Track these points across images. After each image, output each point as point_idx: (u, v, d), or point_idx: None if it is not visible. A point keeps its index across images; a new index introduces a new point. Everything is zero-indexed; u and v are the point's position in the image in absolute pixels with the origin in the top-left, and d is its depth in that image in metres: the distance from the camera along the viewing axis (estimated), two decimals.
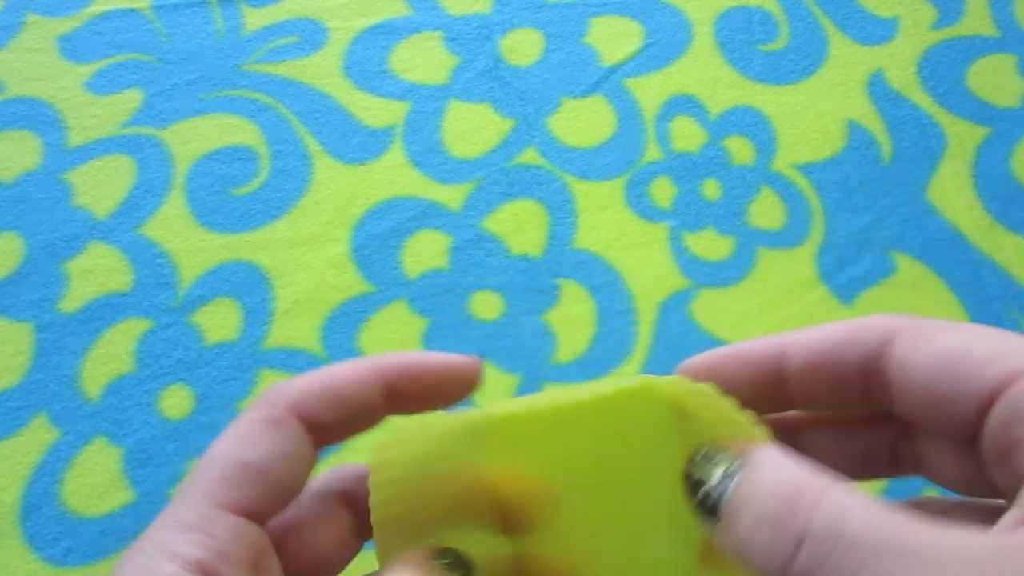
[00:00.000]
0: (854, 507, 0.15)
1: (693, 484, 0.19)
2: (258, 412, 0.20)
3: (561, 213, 0.47)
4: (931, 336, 0.19)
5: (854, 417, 0.22)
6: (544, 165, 0.48)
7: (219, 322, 0.44)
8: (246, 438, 0.20)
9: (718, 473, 0.18)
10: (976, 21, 0.53)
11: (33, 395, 0.42)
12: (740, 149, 0.49)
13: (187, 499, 0.19)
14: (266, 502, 0.20)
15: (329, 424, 0.21)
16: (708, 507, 0.18)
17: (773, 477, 0.17)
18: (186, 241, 0.46)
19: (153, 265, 0.45)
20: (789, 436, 0.22)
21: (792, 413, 0.22)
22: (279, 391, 0.21)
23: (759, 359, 0.21)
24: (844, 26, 0.53)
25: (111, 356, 0.43)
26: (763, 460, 0.17)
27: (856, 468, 0.22)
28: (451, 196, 0.47)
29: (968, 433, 0.18)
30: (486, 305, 0.45)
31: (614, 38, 0.52)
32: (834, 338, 0.20)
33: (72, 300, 0.45)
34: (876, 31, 0.53)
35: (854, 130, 0.50)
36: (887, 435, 0.21)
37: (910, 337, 0.19)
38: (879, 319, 0.20)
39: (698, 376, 0.21)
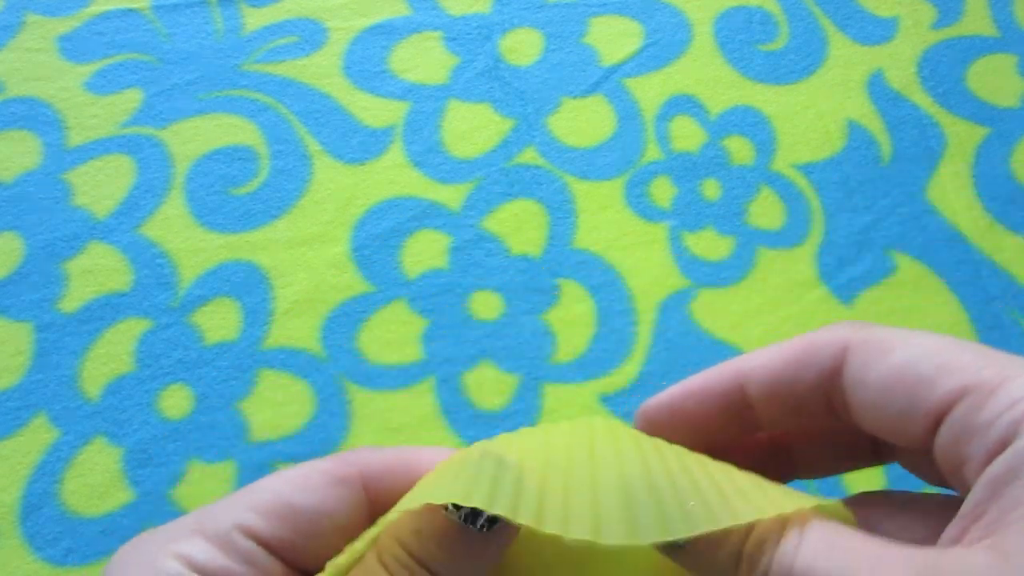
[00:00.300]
0: (799, 552, 0.16)
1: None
2: (327, 463, 0.20)
3: (561, 213, 0.47)
4: (881, 353, 0.19)
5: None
6: (544, 165, 0.48)
7: (219, 322, 0.44)
8: (302, 481, 0.19)
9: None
10: (976, 21, 0.53)
11: (33, 395, 0.42)
12: (740, 149, 0.49)
13: (213, 513, 0.19)
14: (295, 549, 0.19)
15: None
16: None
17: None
18: (186, 241, 0.46)
19: (153, 265, 0.45)
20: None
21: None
22: (360, 453, 0.20)
23: (717, 393, 0.21)
24: (844, 26, 0.53)
25: (111, 356, 0.43)
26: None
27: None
28: (451, 196, 0.47)
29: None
30: (486, 305, 0.45)
31: (614, 38, 0.52)
32: (789, 359, 0.20)
33: (72, 300, 0.45)
34: (876, 31, 0.53)
35: (854, 130, 0.50)
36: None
37: (861, 354, 0.19)
38: (831, 333, 0.20)
39: (660, 419, 0.21)
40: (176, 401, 0.42)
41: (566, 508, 0.17)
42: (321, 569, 0.18)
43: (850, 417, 0.19)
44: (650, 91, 0.51)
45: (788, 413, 0.20)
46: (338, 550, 0.19)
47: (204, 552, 0.18)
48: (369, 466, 0.20)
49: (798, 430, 0.22)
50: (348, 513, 0.19)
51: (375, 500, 0.20)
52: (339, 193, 0.48)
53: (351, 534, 0.19)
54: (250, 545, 0.19)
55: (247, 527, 0.19)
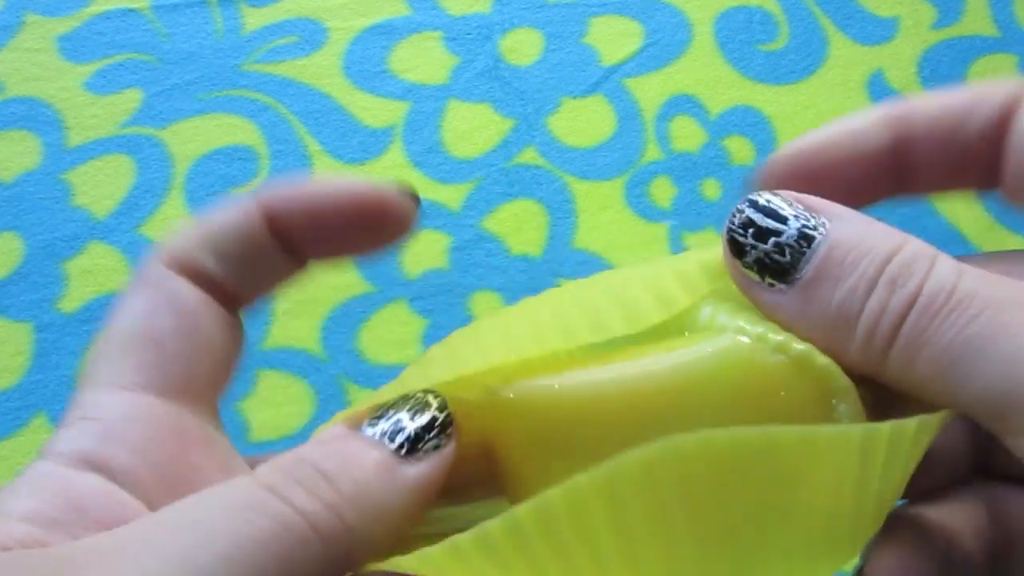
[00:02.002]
0: (966, 268, 0.14)
1: (745, 237, 0.16)
2: (135, 280, 0.18)
3: (561, 213, 0.47)
4: None
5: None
6: (544, 165, 0.48)
7: None
8: (126, 308, 0.17)
9: (792, 226, 0.15)
10: (976, 21, 0.53)
11: (33, 395, 0.42)
12: (740, 149, 0.49)
13: (75, 395, 0.17)
14: (164, 369, 0.17)
15: (218, 273, 0.18)
16: (773, 266, 0.15)
17: (879, 240, 0.15)
18: None
19: None
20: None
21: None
22: (151, 251, 0.18)
23: (871, 139, 0.17)
24: (844, 26, 0.53)
25: None
26: (854, 218, 0.15)
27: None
28: (451, 196, 0.47)
29: None
30: (486, 305, 0.45)
31: (614, 38, 0.52)
32: (955, 103, 0.17)
33: (72, 300, 0.45)
34: (876, 31, 0.53)
35: None
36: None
37: None
38: (1002, 84, 0.17)
39: (794, 174, 0.18)
40: None
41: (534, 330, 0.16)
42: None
43: (1009, 180, 0.17)
44: (650, 91, 0.51)
45: (948, 169, 0.17)
46: (206, 355, 0.18)
47: (75, 437, 0.16)
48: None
49: (944, 189, 0.18)
50: (183, 305, 0.17)
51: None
52: None
53: (210, 332, 0.18)
54: (124, 397, 0.17)
55: (112, 379, 0.17)
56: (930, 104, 0.17)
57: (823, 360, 0.15)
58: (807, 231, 0.15)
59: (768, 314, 0.16)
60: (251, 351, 0.44)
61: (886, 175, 0.18)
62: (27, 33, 0.52)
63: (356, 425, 0.16)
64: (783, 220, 0.15)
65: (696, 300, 0.16)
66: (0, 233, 0.46)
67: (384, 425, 0.16)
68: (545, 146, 0.49)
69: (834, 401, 0.15)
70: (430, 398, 0.16)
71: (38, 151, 0.48)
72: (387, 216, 0.18)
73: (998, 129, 0.17)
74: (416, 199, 0.19)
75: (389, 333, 0.44)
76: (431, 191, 0.48)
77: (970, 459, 0.19)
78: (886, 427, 0.15)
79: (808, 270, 0.15)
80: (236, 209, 0.18)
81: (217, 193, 0.47)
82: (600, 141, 0.49)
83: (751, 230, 0.16)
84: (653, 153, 0.49)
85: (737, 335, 0.16)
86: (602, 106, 0.50)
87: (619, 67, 0.51)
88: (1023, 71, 0.52)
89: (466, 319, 0.44)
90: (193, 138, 0.49)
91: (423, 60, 0.51)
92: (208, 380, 0.18)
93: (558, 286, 0.19)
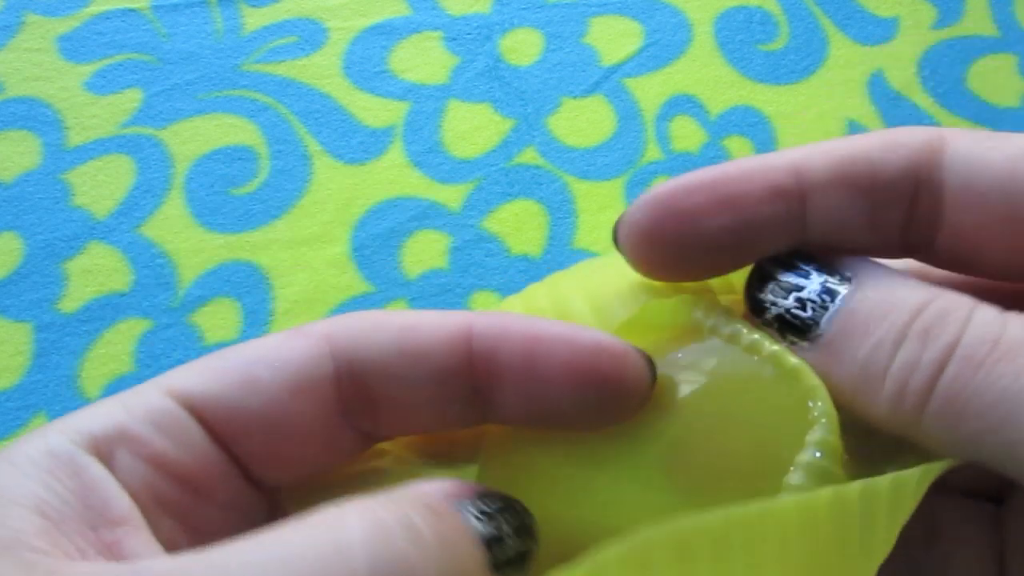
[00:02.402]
0: (1011, 315, 0.13)
1: (765, 293, 0.15)
2: (301, 329, 0.15)
3: (561, 213, 0.47)
4: (995, 140, 0.15)
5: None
6: (544, 165, 0.48)
7: (219, 322, 0.44)
8: (257, 340, 0.15)
9: (815, 280, 0.14)
10: (976, 21, 0.53)
11: (33, 395, 0.42)
12: (740, 149, 0.49)
13: (144, 383, 0.16)
14: (236, 403, 0.15)
15: (372, 377, 0.15)
16: (795, 324, 0.14)
17: (908, 293, 0.14)
18: (186, 241, 0.46)
19: (153, 265, 0.45)
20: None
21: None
22: (335, 319, 0.15)
23: (769, 178, 0.15)
24: (844, 26, 0.53)
25: (111, 356, 0.43)
26: (879, 273, 0.14)
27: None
28: (451, 196, 0.47)
29: None
30: (486, 305, 0.45)
31: (614, 38, 0.52)
32: (868, 145, 0.16)
33: (72, 300, 0.45)
34: (876, 31, 0.53)
35: (854, 130, 0.50)
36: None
37: (966, 141, 0.15)
38: (916, 129, 0.16)
39: (690, 194, 0.15)
40: None
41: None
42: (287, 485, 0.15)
43: (936, 220, 0.15)
44: (650, 91, 0.51)
45: (855, 211, 0.16)
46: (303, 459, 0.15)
47: (97, 419, 0.14)
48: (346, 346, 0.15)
49: (855, 238, 0.16)
50: (302, 370, 0.15)
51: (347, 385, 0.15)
52: (339, 193, 0.48)
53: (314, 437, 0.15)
54: (168, 404, 0.15)
55: (173, 388, 0.15)
56: (831, 146, 0.16)
57: (809, 373, 0.15)
58: (831, 285, 0.14)
59: None
60: None
61: (779, 217, 0.16)
62: (27, 33, 0.52)
63: (460, 498, 0.14)
64: (806, 275, 0.15)
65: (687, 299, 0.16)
66: (0, 233, 0.46)
67: (487, 529, 0.14)
68: (545, 146, 0.49)
69: (809, 403, 0.15)
70: (531, 522, 0.14)
71: (38, 151, 0.48)
72: (621, 390, 0.15)
73: (922, 170, 0.15)
74: (652, 367, 0.15)
75: None
76: (431, 191, 0.48)
77: None
78: (886, 481, 0.14)
79: (832, 327, 0.14)
80: (440, 325, 0.15)
81: (217, 193, 0.47)
82: (600, 141, 0.49)
83: (770, 285, 0.15)
84: (653, 153, 0.49)
85: (728, 341, 0.15)
86: (602, 106, 0.50)
87: (619, 67, 0.51)
88: (1023, 71, 0.52)
89: None
90: (193, 138, 0.49)
91: (423, 60, 0.51)
92: (263, 430, 0.15)
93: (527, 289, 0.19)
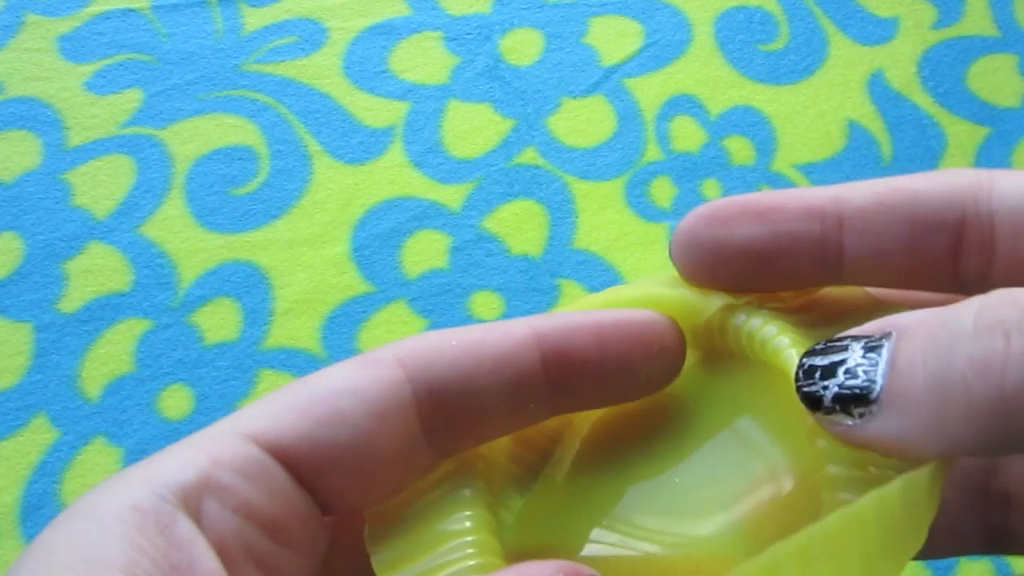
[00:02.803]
0: None
1: (815, 383, 0.14)
2: (368, 358, 0.16)
3: (561, 213, 0.47)
4: None
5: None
6: (544, 165, 0.48)
7: (219, 322, 0.44)
8: (323, 374, 0.15)
9: (855, 347, 0.13)
10: (976, 21, 0.53)
11: (33, 395, 0.42)
12: (740, 149, 0.49)
13: (213, 426, 0.15)
14: (317, 446, 0.15)
15: (449, 394, 0.15)
16: (852, 394, 0.13)
17: (949, 309, 0.13)
18: (186, 241, 0.46)
19: (153, 265, 0.45)
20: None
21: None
22: (398, 344, 0.16)
23: (811, 198, 0.16)
24: (844, 26, 0.53)
25: (111, 356, 0.43)
26: (913, 314, 0.13)
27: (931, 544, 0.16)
28: (451, 196, 0.47)
29: None
30: (486, 305, 0.45)
31: (614, 38, 0.52)
32: (911, 179, 0.15)
33: (72, 300, 0.45)
34: (876, 31, 0.53)
35: (854, 130, 0.50)
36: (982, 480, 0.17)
37: (1017, 176, 0.14)
38: (962, 169, 0.15)
39: (730, 205, 0.16)
40: (176, 401, 0.42)
41: None
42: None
43: (990, 261, 0.15)
44: (650, 91, 0.51)
45: (895, 236, 0.15)
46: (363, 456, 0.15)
47: (185, 469, 0.14)
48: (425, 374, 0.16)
49: (902, 270, 0.16)
50: (379, 403, 0.15)
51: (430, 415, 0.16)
52: (339, 193, 0.48)
53: (385, 435, 0.15)
54: (255, 451, 0.15)
55: (256, 432, 0.15)
56: (873, 182, 0.16)
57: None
58: (872, 343, 0.13)
59: (879, 453, 0.14)
60: (251, 351, 0.44)
61: (814, 248, 0.16)
62: (27, 33, 0.52)
63: None
64: (844, 347, 0.14)
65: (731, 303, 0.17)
66: (0, 233, 0.46)
67: None
68: (545, 146, 0.49)
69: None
70: None
71: (38, 151, 0.48)
72: (666, 360, 0.16)
73: (969, 205, 0.15)
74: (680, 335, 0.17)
75: (389, 333, 0.44)
76: (431, 191, 0.48)
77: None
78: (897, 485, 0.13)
79: (887, 373, 0.13)
80: (509, 338, 0.16)
81: (217, 193, 0.47)
82: (600, 141, 0.49)
83: (817, 374, 0.14)
84: (653, 153, 0.49)
85: (775, 341, 0.15)
86: (602, 106, 0.50)
87: (619, 67, 0.51)
88: (1023, 71, 0.52)
89: (466, 319, 0.44)
90: (193, 138, 0.49)
91: (423, 60, 0.51)
92: (342, 467, 0.16)
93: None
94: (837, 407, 0.13)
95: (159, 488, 0.14)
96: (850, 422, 0.13)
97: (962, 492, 0.18)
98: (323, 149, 0.49)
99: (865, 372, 0.13)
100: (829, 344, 0.14)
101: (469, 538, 0.15)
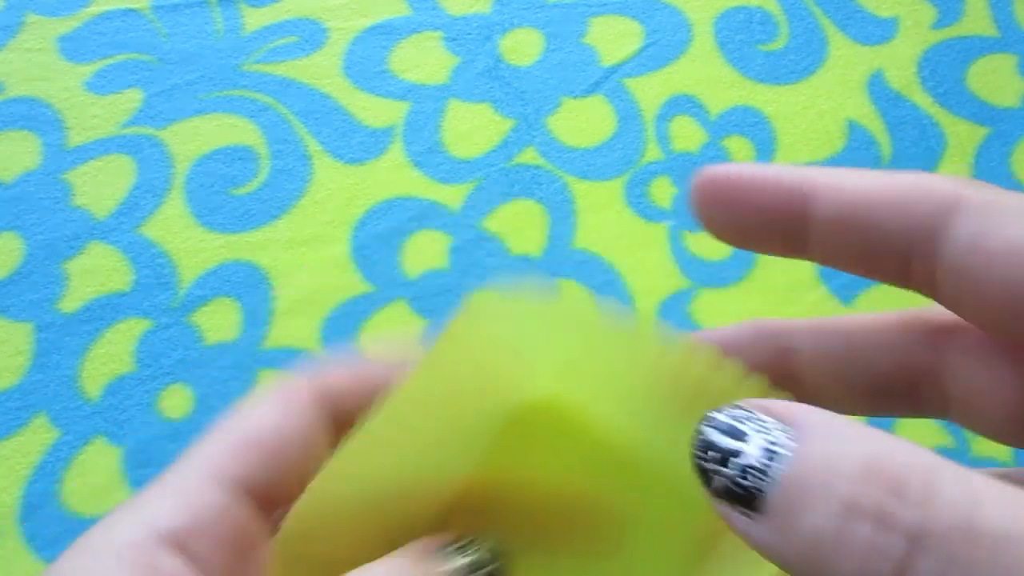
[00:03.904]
0: (980, 491, 0.11)
1: (707, 462, 0.13)
2: (275, 387, 0.19)
3: (561, 213, 0.47)
4: (1008, 216, 0.14)
5: (864, 326, 0.17)
6: (544, 165, 0.48)
7: (219, 322, 0.44)
8: (253, 411, 0.19)
9: (753, 443, 0.13)
10: (976, 21, 0.53)
11: (33, 395, 0.42)
12: (740, 149, 0.49)
13: (179, 468, 0.19)
14: (267, 477, 0.18)
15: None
16: (740, 493, 0.13)
17: (853, 450, 0.12)
18: (186, 241, 0.46)
19: (153, 265, 0.45)
20: (774, 348, 0.18)
21: (782, 321, 0.18)
22: (303, 374, 0.19)
23: (781, 189, 0.16)
24: (844, 26, 0.53)
25: (111, 356, 0.43)
26: (824, 425, 0.13)
27: (860, 401, 0.17)
28: (451, 196, 0.47)
29: None
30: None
31: (614, 38, 0.52)
32: (877, 196, 0.15)
33: (72, 300, 0.45)
34: (876, 31, 0.53)
35: (854, 130, 0.50)
36: (909, 356, 0.17)
37: (979, 213, 0.14)
38: (938, 183, 0.15)
39: (723, 188, 0.17)
40: (176, 401, 0.42)
41: None
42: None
43: (930, 285, 0.15)
44: (650, 91, 0.51)
45: (850, 254, 0.16)
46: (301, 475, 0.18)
47: (173, 515, 0.17)
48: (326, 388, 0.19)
49: (849, 268, 0.17)
50: (305, 430, 0.19)
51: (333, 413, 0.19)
52: (339, 193, 0.48)
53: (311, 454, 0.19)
54: (223, 495, 0.18)
55: (220, 474, 0.18)
56: (848, 184, 0.16)
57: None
58: (772, 447, 0.13)
59: (751, 547, 0.13)
60: (251, 351, 0.44)
61: (786, 227, 0.16)
62: (27, 33, 0.52)
63: (441, 549, 0.17)
64: (742, 437, 0.13)
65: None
66: (0, 233, 0.46)
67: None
68: (545, 146, 0.49)
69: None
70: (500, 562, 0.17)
71: (38, 151, 0.48)
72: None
73: (926, 236, 0.15)
74: None
75: (389, 333, 0.44)
76: (431, 191, 0.48)
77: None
78: None
79: (776, 495, 0.12)
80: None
81: (217, 193, 0.47)
82: (600, 141, 0.49)
83: (711, 453, 0.13)
84: (653, 153, 0.49)
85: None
86: (602, 106, 0.50)
87: (619, 67, 0.51)
88: (1023, 71, 0.52)
89: None
90: (193, 138, 0.49)
91: (423, 60, 0.51)
92: (287, 485, 0.19)
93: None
94: (725, 496, 0.13)
95: (150, 530, 0.17)
96: (732, 512, 0.13)
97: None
98: (323, 149, 0.49)
99: (755, 480, 0.13)
100: (730, 417, 0.14)
101: None
